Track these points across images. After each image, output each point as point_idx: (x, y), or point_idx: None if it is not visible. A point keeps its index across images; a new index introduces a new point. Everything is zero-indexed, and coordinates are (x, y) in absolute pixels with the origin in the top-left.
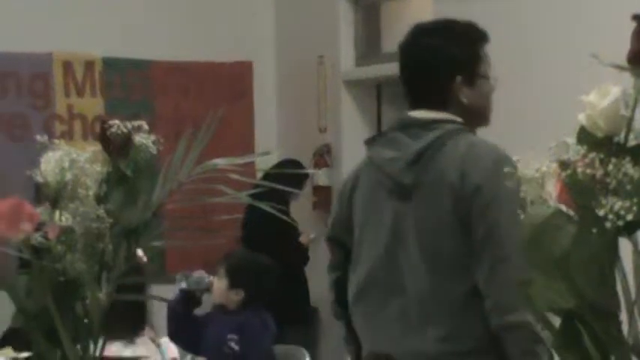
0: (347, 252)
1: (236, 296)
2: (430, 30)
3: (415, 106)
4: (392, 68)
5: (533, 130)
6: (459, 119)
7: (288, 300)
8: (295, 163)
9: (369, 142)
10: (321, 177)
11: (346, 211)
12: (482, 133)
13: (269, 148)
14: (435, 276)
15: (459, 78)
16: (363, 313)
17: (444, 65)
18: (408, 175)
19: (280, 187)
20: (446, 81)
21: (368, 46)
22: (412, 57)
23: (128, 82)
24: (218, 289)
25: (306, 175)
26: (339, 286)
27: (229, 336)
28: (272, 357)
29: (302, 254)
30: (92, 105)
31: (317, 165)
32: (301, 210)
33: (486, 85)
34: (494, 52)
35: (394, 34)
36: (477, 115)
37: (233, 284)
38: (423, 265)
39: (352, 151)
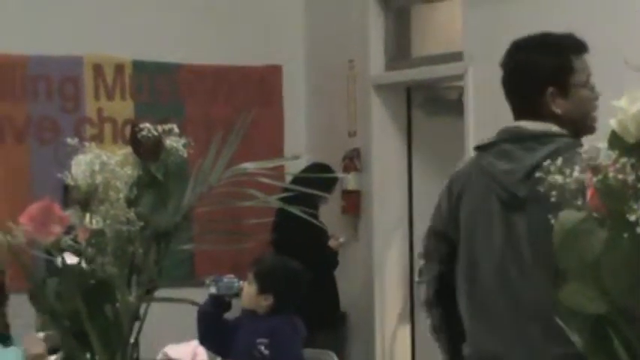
0: (453, 247)
1: (265, 301)
2: (522, 45)
3: (518, 116)
4: (422, 72)
5: None
6: (561, 131)
7: (318, 304)
8: (324, 167)
9: (480, 149)
10: (350, 181)
11: (454, 211)
12: None
13: (298, 151)
14: (549, 286)
15: (550, 89)
16: (473, 315)
17: (533, 78)
18: (523, 189)
19: (310, 191)
20: (537, 92)
21: (398, 51)
22: (507, 72)
23: (158, 85)
24: (247, 294)
25: (336, 179)
26: (443, 279)
27: (259, 340)
28: None
29: (331, 258)
30: (122, 108)
31: (346, 169)
32: (330, 214)
33: (583, 95)
34: None
35: (424, 39)
36: (574, 125)
37: (262, 289)
38: (537, 275)
39: (382, 156)
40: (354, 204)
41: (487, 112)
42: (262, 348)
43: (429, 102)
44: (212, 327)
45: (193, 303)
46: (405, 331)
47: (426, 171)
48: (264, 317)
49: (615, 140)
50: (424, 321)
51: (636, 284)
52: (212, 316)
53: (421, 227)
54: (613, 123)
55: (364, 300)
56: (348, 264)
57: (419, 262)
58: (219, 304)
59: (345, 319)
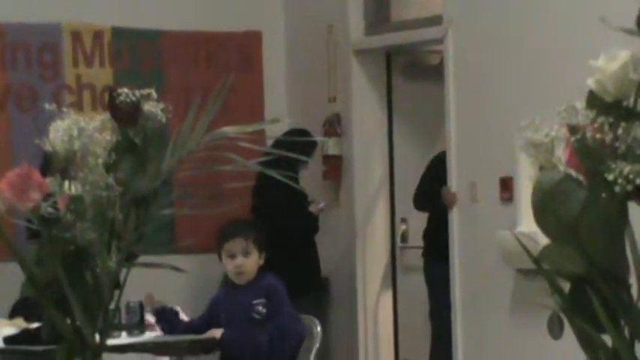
0: None
1: (262, 261)
2: None
3: None
4: (401, 37)
5: (543, 95)
6: None
7: (299, 269)
8: (304, 133)
9: None
10: (330, 146)
11: None
12: (493, 97)
13: (279, 116)
14: None
15: None
16: None
17: None
18: None
19: (289, 154)
20: None
21: (377, 15)
22: None
23: (137, 52)
24: (253, 264)
25: (315, 144)
26: None
27: (255, 301)
28: (297, 316)
29: (312, 223)
30: (101, 75)
31: (327, 134)
32: (311, 180)
33: None
34: (502, 17)
35: (403, 3)
36: None
37: (261, 252)
38: None
39: (362, 120)
40: (334, 169)
41: (467, 75)
42: (260, 308)
43: (409, 67)
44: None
45: (174, 268)
46: (388, 295)
47: (407, 135)
48: (253, 279)
49: (593, 100)
50: (406, 285)
51: (614, 243)
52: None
53: (402, 191)
54: (591, 82)
55: (346, 265)
56: (329, 229)
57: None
58: (167, 319)
59: (327, 285)
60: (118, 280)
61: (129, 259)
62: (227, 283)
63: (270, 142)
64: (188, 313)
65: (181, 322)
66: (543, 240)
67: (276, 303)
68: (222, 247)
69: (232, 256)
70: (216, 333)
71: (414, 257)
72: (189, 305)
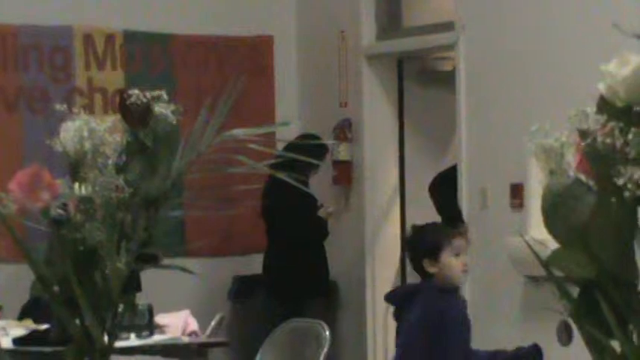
0: None
1: None
2: None
3: None
4: (413, 42)
5: (553, 100)
6: None
7: (307, 273)
8: (314, 138)
9: None
10: (341, 151)
11: None
12: (504, 103)
13: (289, 121)
14: None
15: None
16: None
17: None
18: None
19: (300, 157)
20: None
21: (389, 21)
22: None
23: (149, 55)
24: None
25: (326, 148)
26: None
27: None
28: None
29: (321, 228)
30: (113, 78)
31: (337, 139)
32: (321, 184)
33: None
34: (514, 24)
35: (415, 8)
36: None
37: None
38: None
39: (373, 126)
40: (345, 174)
41: (478, 81)
42: None
43: (421, 73)
44: None
45: (183, 269)
46: None
47: (418, 141)
48: None
49: (604, 104)
50: None
51: (624, 248)
52: None
53: (413, 197)
54: (601, 87)
55: (356, 270)
56: (339, 234)
57: None
58: None
59: (337, 289)
60: (139, 281)
61: (149, 262)
62: (445, 290)
63: (280, 145)
64: (197, 317)
65: None
66: (553, 246)
67: None
68: (443, 245)
69: (457, 255)
70: None
71: None
72: (198, 309)
